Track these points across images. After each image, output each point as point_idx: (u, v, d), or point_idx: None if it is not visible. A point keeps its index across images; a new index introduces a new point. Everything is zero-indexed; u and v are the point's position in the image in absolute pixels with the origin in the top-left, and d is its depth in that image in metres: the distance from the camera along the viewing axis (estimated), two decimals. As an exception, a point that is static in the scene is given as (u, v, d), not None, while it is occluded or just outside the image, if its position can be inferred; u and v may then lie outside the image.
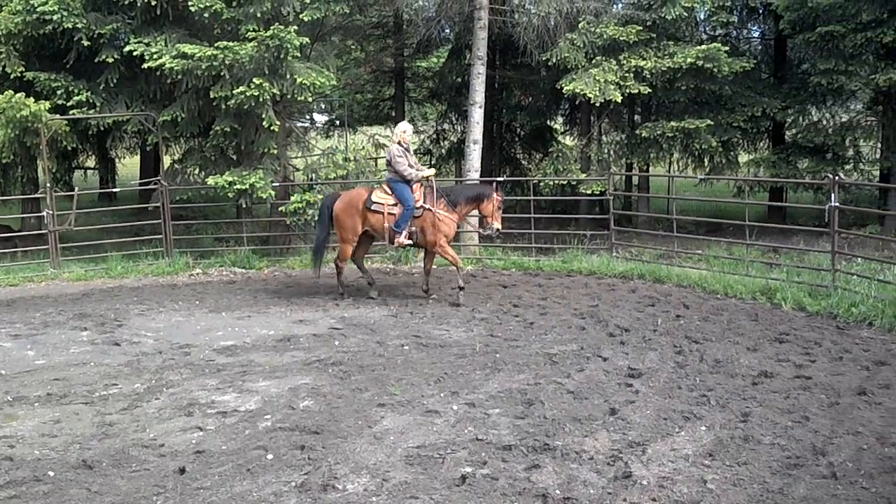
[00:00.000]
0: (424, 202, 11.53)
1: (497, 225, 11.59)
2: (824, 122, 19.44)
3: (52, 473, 6.04)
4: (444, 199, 11.60)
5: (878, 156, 19.75)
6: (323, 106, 26.62)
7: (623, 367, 8.32)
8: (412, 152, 12.22)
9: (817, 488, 5.58)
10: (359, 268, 12.55)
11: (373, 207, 11.58)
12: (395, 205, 11.47)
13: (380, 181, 13.61)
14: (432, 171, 12.09)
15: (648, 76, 17.08)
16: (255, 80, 14.00)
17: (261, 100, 14.10)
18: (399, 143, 11.66)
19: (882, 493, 5.49)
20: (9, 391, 8.02)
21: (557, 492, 5.56)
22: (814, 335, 9.40)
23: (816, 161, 18.06)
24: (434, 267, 12.34)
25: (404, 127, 12.12)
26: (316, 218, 14.68)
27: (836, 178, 11.69)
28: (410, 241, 11.63)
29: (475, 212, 12.17)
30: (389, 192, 11.56)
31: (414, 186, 11.52)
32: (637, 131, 18.26)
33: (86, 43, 15.08)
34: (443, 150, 24.51)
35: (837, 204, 11.54)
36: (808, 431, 6.53)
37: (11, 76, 15.29)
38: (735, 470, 5.87)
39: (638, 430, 6.62)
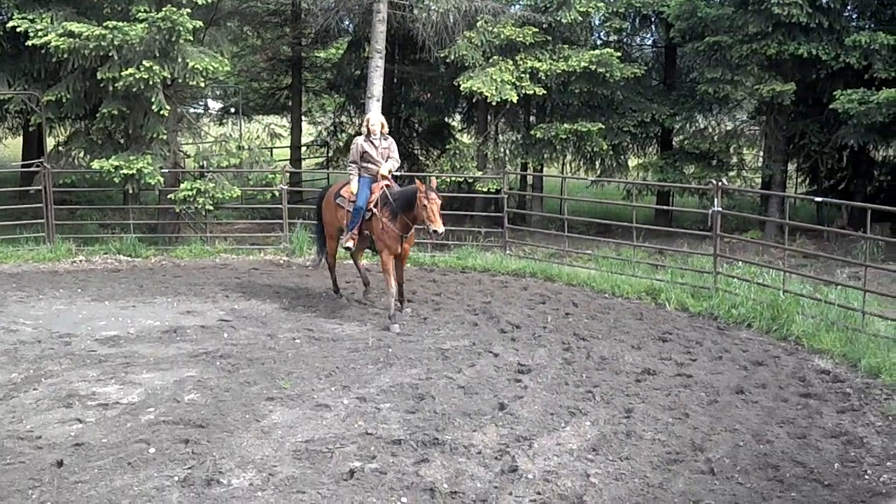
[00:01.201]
0: (376, 205, 10.18)
1: (434, 227, 9.64)
2: (710, 130, 20.20)
3: (-83, 467, 5.74)
4: (388, 206, 10.06)
5: (760, 164, 20.69)
6: (218, 92, 26.05)
7: (513, 363, 8.44)
8: (381, 141, 10.43)
9: (696, 483, 5.80)
10: (355, 265, 11.52)
11: (337, 201, 10.65)
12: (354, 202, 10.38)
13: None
14: (389, 165, 10.38)
15: (544, 78, 17.37)
16: (144, 62, 13.59)
17: (150, 83, 13.69)
18: (366, 133, 10.43)
19: (756, 489, 5.75)
20: None
21: (445, 486, 5.61)
22: (695, 335, 9.74)
23: (702, 167, 18.76)
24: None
25: (368, 115, 11.31)
26: (207, 207, 14.41)
27: (720, 183, 12.15)
28: (351, 245, 10.49)
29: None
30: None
31: (374, 185, 10.30)
32: (532, 132, 18.55)
33: (-35, 16, 14.35)
34: (340, 143, 24.31)
35: (720, 209, 12.02)
36: (688, 428, 6.77)
37: None
38: (617, 464, 6.04)
39: (525, 424, 6.74)
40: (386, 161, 10.37)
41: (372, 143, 10.35)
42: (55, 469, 5.75)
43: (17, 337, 9.15)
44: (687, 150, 19.43)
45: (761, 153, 21.04)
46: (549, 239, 16.01)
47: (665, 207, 19.75)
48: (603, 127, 17.99)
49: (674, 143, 20.88)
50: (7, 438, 6.29)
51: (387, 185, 10.24)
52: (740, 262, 12.61)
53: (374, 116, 10.84)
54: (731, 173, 18.78)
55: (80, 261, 13.95)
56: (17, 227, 15.08)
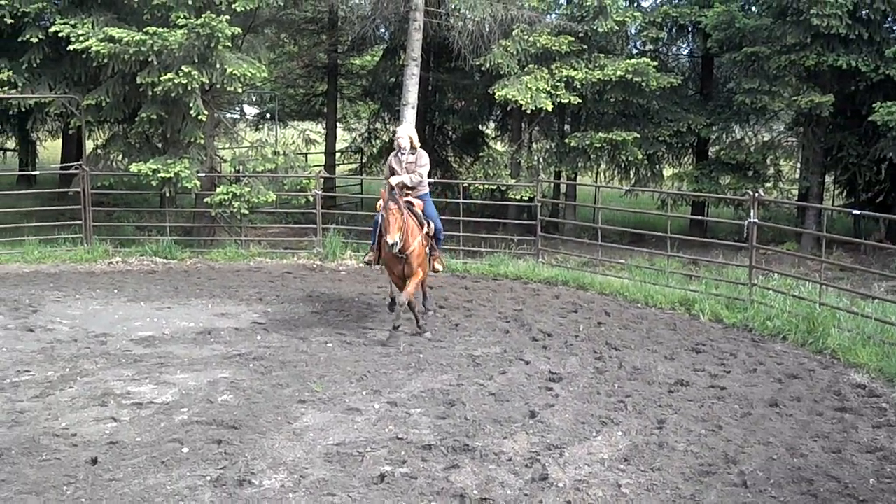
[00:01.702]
0: None
1: (387, 237, 9.01)
2: (747, 141, 20.06)
3: (-43, 461, 5.85)
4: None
5: (797, 175, 20.47)
6: (254, 98, 26.28)
7: (544, 371, 8.41)
8: (408, 156, 9.98)
9: (728, 496, 5.74)
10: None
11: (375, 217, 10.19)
12: None
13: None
14: (399, 178, 9.79)
15: (579, 87, 17.36)
16: (183, 67, 13.74)
17: (189, 88, 13.84)
18: (396, 148, 10.15)
19: (790, 503, 5.67)
20: (-88, 376, 7.72)
21: (475, 492, 5.60)
22: (729, 346, 9.65)
23: (738, 178, 18.62)
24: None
25: (397, 129, 11.13)
26: (242, 210, 14.54)
27: (756, 195, 12.03)
28: (369, 260, 10.28)
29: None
30: None
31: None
32: (566, 140, 18.52)
33: (9, 21, 14.64)
34: (374, 150, 24.43)
35: (756, 220, 11.89)
36: (721, 440, 6.70)
37: (-71, 51, 14.72)
38: (649, 475, 5.99)
39: (556, 433, 6.71)
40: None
41: (399, 158, 10.01)
42: (90, 466, 5.82)
43: (54, 336, 9.29)
44: (723, 160, 19.30)
45: (798, 165, 20.82)
46: (582, 247, 15.96)
47: (700, 218, 19.63)
48: (638, 136, 17.93)
49: (710, 153, 20.76)
50: (43, 435, 6.38)
51: (407, 201, 9.67)
52: (776, 274, 12.48)
53: (402, 130, 10.49)
54: (768, 184, 18.62)
55: (117, 262, 14.14)
56: (55, 227, 15.33)
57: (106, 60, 14.11)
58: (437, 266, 10.30)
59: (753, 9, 19.59)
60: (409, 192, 9.92)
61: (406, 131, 10.34)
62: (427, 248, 9.83)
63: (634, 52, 20.08)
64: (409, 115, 16.60)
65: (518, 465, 6.07)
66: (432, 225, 9.95)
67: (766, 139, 20.35)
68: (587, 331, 10.15)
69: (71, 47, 14.30)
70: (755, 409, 7.48)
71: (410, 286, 9.43)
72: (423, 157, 10.04)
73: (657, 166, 20.07)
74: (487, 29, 17.43)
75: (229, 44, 14.22)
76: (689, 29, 20.76)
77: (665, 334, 10.15)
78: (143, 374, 7.97)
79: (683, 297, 11.83)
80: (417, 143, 10.17)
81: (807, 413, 7.40)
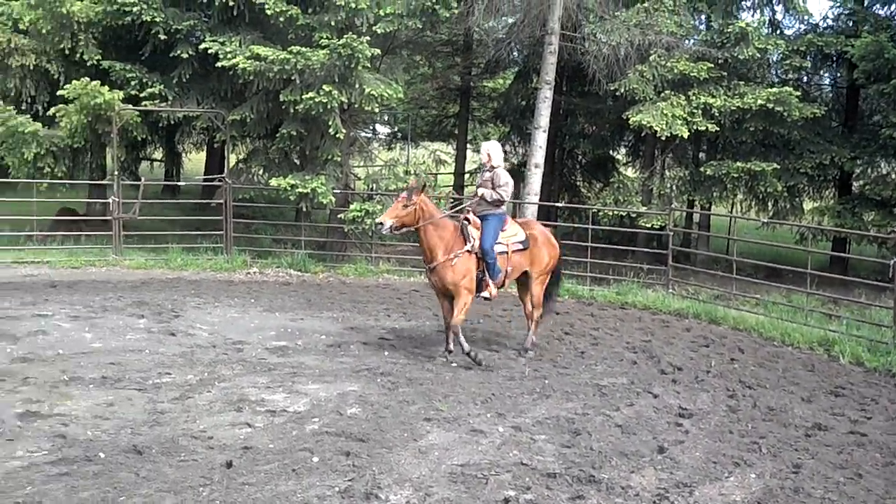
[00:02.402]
0: None
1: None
2: (894, 176, 19.04)
3: (102, 455, 6.14)
4: None
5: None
6: (386, 118, 26.87)
7: (674, 405, 8.20)
8: (487, 172, 9.79)
9: (869, 548, 5.43)
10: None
11: None
12: None
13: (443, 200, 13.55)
14: (480, 191, 9.67)
15: (717, 114, 16.95)
16: (324, 86, 14.17)
17: (329, 107, 14.26)
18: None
19: (936, 560, 5.32)
20: (65, 370, 8.19)
21: (601, 525, 5.50)
22: (871, 391, 9.16)
23: (883, 214, 17.71)
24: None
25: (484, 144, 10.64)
26: (374, 227, 14.80)
27: (903, 233, 11.44)
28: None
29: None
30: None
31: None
32: (701, 168, 18.08)
33: (162, 37, 15.41)
34: (503, 172, 24.52)
35: (902, 260, 11.29)
36: (861, 489, 6.35)
37: (88, 63, 15.66)
38: (784, 521, 5.74)
39: (686, 470, 6.51)
40: None
41: (483, 175, 9.86)
42: (225, 469, 6.00)
43: (194, 341, 9.69)
44: (867, 195, 18.38)
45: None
46: (715, 280, 15.51)
47: (841, 254, 18.71)
48: (778, 167, 17.33)
49: (853, 187, 19.82)
50: (182, 436, 6.63)
51: (465, 218, 9.65)
52: (923, 318, 11.78)
53: (485, 145, 10.02)
54: (915, 223, 17.61)
55: (254, 272, 14.67)
56: (197, 236, 16.04)
57: (251, 78, 14.72)
58: (485, 294, 9.48)
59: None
60: (479, 209, 9.57)
61: (486, 147, 9.88)
62: (477, 270, 9.35)
63: (775, 80, 19.44)
64: (541, 138, 16.59)
65: (646, 501, 5.91)
66: (474, 243, 9.32)
67: (914, 175, 19.28)
68: (719, 367, 9.83)
69: (219, 64, 14.96)
70: (899, 458, 7.06)
71: (457, 312, 9.24)
72: (501, 178, 9.51)
73: (797, 199, 19.32)
74: (623, 53, 17.26)
75: (368, 64, 14.59)
76: (834, 58, 19.93)
77: (802, 375, 9.73)
78: (277, 382, 8.21)
79: (822, 336, 11.32)
80: (496, 162, 9.69)
81: (958, 468, 6.92)
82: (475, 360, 9.18)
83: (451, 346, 9.40)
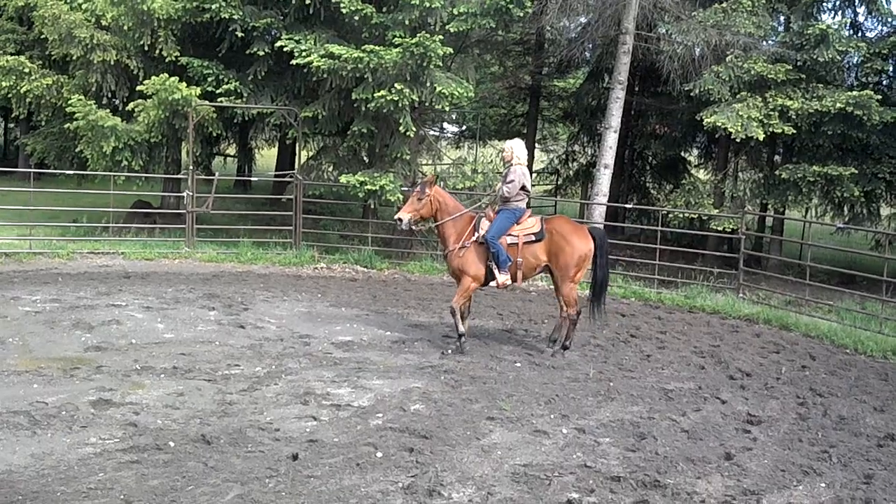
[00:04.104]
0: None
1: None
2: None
3: (172, 444, 6.29)
4: None
5: None
6: (455, 116, 26.93)
7: (742, 412, 8.04)
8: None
9: (945, 566, 5.25)
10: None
11: None
12: None
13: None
14: (498, 187, 10.09)
15: (794, 117, 16.55)
16: (396, 84, 14.26)
17: (400, 105, 14.34)
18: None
19: None
20: (137, 360, 8.41)
21: (665, 531, 5.42)
22: (948, 403, 8.86)
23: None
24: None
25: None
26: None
27: None
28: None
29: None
30: None
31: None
32: (776, 172, 17.68)
33: (239, 34, 15.70)
34: (570, 172, 24.41)
35: None
36: (938, 504, 6.15)
37: (167, 60, 16.08)
38: (855, 534, 5.59)
39: (753, 478, 6.38)
40: None
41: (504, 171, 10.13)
42: (290, 462, 6.09)
43: (262, 334, 9.86)
44: (949, 202, 17.77)
45: None
46: (787, 285, 15.16)
47: (920, 262, 18.10)
48: (855, 172, 16.84)
49: (934, 193, 19.15)
50: (249, 427, 6.75)
51: (479, 210, 10.20)
52: None
53: (505, 143, 10.26)
54: None
55: (321, 268, 14.86)
56: (267, 231, 16.31)
57: (325, 76, 14.91)
58: (493, 282, 9.76)
59: None
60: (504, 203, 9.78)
61: (507, 144, 10.10)
62: (488, 261, 9.63)
63: (854, 83, 18.90)
64: (611, 138, 16.44)
65: (711, 508, 5.82)
66: (482, 234, 9.60)
67: None
68: (790, 374, 9.61)
69: (294, 62, 15.15)
70: (977, 474, 6.80)
71: (457, 295, 9.76)
72: (508, 175, 9.74)
73: (874, 204, 18.73)
74: (699, 54, 16.99)
75: (440, 63, 14.63)
76: (918, 62, 19.29)
77: (875, 384, 9.46)
78: (342, 377, 8.30)
79: (898, 346, 10.99)
80: (512, 158, 9.81)
81: None
82: (459, 348, 9.57)
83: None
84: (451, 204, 9.93)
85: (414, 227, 10.06)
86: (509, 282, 9.71)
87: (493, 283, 9.78)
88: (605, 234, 10.34)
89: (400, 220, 9.78)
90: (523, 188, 9.73)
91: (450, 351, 9.56)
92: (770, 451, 7.00)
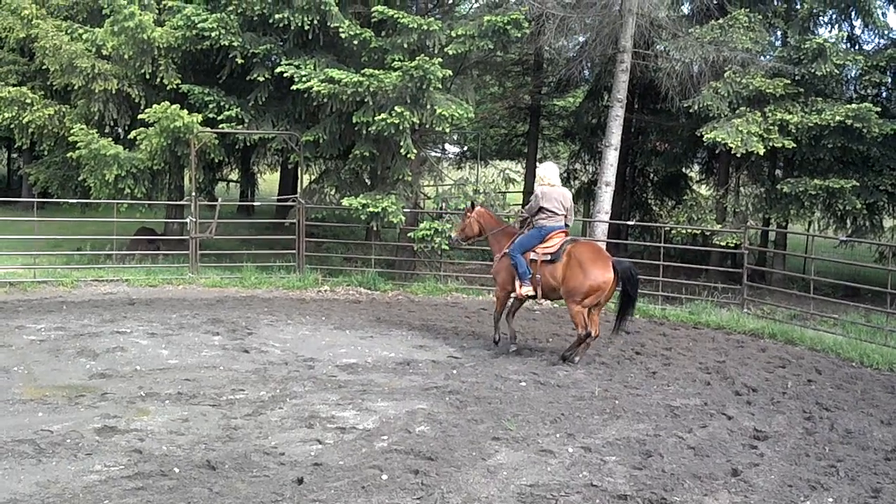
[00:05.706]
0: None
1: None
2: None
3: (177, 470, 6.28)
4: None
5: None
6: (456, 137, 27.03)
7: (748, 427, 8.01)
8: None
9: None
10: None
11: None
12: None
13: (509, 216, 13.60)
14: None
15: (794, 131, 16.59)
16: (396, 107, 14.33)
17: (401, 127, 14.41)
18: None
19: None
20: (142, 387, 8.41)
21: (673, 548, 5.40)
22: (956, 416, 8.81)
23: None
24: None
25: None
26: (443, 246, 14.91)
27: None
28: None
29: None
30: None
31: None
32: (778, 186, 17.70)
33: (240, 61, 15.78)
34: (572, 190, 24.39)
35: None
36: (947, 517, 6.12)
37: (168, 88, 16.18)
38: (865, 549, 5.55)
39: (761, 494, 6.35)
40: None
41: None
42: (296, 486, 6.07)
43: (266, 358, 9.86)
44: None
45: None
46: (791, 299, 15.14)
47: (924, 274, 18.07)
48: (857, 184, 16.85)
49: (935, 204, 19.13)
50: (254, 452, 6.74)
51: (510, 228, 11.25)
52: None
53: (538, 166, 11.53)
54: None
55: (325, 290, 14.87)
56: (271, 255, 16.34)
57: (325, 100, 14.98)
58: (514, 293, 10.64)
59: None
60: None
61: (538, 167, 11.40)
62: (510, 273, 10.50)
63: (853, 96, 18.95)
64: (612, 156, 16.48)
65: (719, 525, 5.79)
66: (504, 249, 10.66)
67: None
68: (796, 388, 9.58)
69: (294, 87, 15.24)
70: None
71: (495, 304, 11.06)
72: (532, 196, 10.64)
73: (877, 216, 18.74)
74: (697, 70, 17.05)
75: (440, 85, 14.70)
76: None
77: (882, 397, 9.42)
78: (347, 399, 8.29)
79: (905, 358, 10.95)
80: (537, 181, 10.74)
81: None
82: (495, 342, 10.92)
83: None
84: (491, 222, 11.14)
85: (463, 243, 11.65)
86: (531, 292, 10.42)
87: (513, 293, 10.65)
88: (632, 268, 10.27)
89: (450, 237, 12.58)
90: (544, 209, 10.34)
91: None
92: (777, 467, 6.98)
